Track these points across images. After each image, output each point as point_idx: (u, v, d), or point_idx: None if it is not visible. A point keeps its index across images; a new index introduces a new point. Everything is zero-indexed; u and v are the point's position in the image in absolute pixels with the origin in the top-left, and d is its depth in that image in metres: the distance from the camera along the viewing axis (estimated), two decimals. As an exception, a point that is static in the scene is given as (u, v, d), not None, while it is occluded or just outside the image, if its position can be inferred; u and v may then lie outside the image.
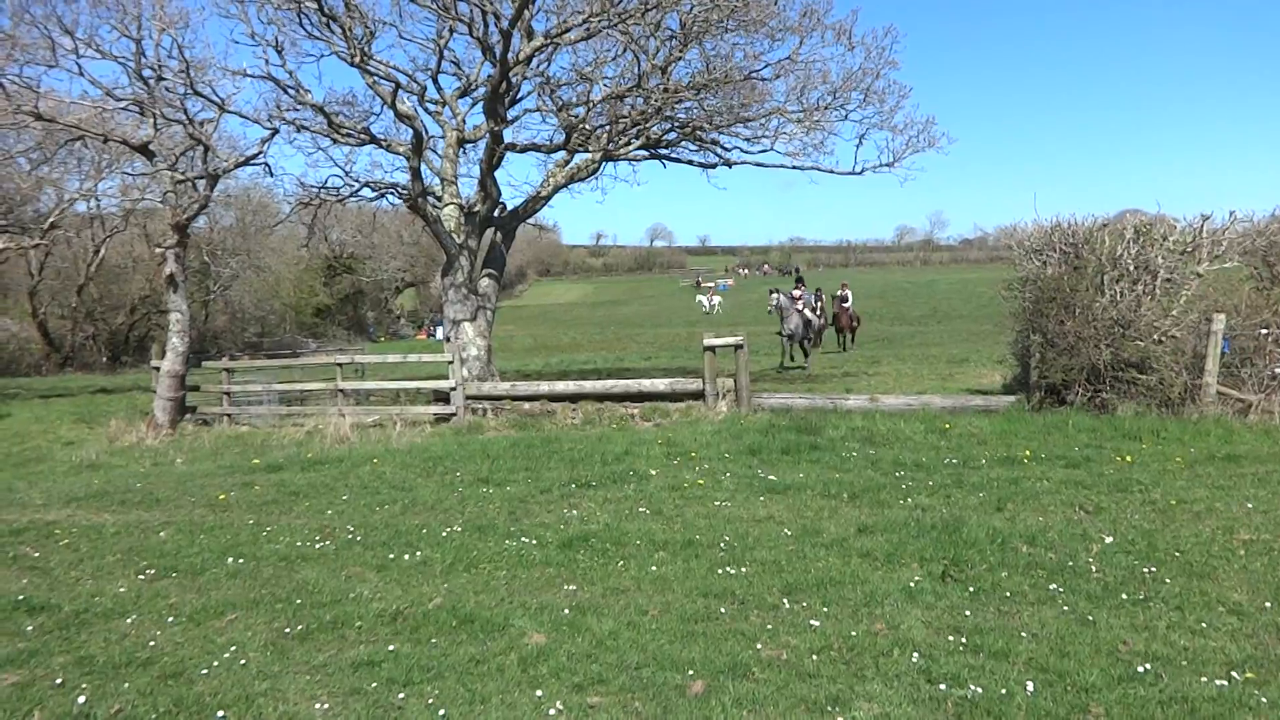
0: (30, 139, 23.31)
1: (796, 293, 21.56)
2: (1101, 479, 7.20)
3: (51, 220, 27.81)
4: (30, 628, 4.89)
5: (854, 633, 4.36)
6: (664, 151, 16.79)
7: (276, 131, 15.62)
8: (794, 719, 3.55)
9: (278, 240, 40.19)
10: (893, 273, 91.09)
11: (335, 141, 15.92)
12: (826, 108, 15.49)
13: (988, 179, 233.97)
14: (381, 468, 8.97)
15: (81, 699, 3.92)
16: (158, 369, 14.18)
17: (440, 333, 46.77)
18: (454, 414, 12.48)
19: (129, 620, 4.94)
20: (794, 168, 16.27)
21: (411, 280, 56.85)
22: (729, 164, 16.62)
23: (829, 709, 3.61)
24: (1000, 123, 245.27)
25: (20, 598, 5.35)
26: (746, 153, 16.45)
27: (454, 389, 12.61)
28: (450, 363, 12.84)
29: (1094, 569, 5.16)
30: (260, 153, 16.08)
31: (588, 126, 15.37)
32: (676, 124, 16.14)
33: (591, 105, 14.93)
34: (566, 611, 4.77)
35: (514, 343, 36.28)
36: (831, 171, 16.41)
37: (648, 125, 15.34)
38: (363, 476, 8.62)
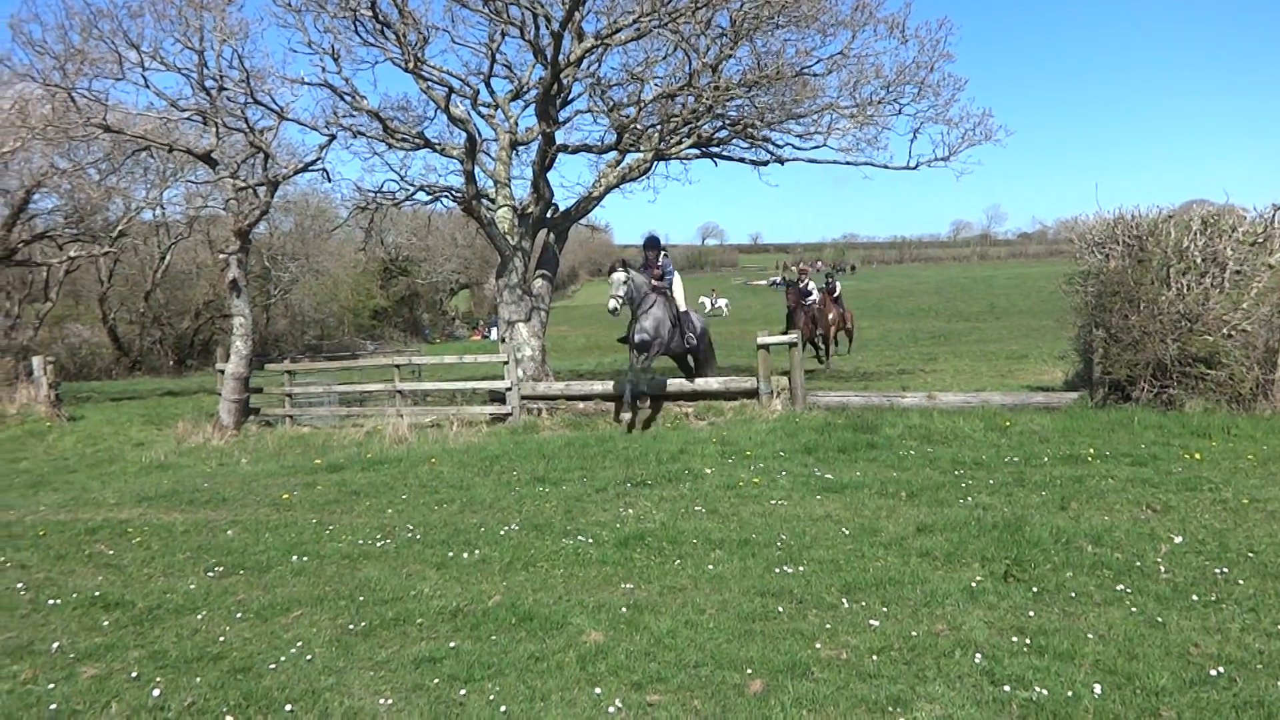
0: (99, 150, 24.09)
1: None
2: (1169, 477, 7.01)
3: (120, 228, 28.70)
4: (106, 623, 5.06)
5: (914, 633, 4.30)
6: (715, 150, 16.74)
7: (334, 138, 15.95)
8: (854, 719, 3.52)
9: (335, 244, 41.01)
10: (949, 269, 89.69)
11: (390, 146, 16.19)
12: (880, 102, 15.31)
13: (1046, 171, 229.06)
14: (439, 467, 9.09)
15: (156, 692, 4.04)
16: (222, 372, 14.55)
17: (494, 334, 47.28)
18: (509, 414, 12.60)
19: (199, 616, 5.08)
20: (847, 163, 16.12)
21: (465, 282, 57.51)
22: (781, 161, 16.51)
23: (890, 710, 3.58)
24: (1059, 112, 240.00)
25: (96, 594, 5.53)
26: (799, 149, 16.32)
27: (509, 389, 12.73)
28: (505, 363, 12.97)
29: (1163, 569, 5.03)
30: (318, 159, 16.42)
31: (639, 126, 15.40)
32: (728, 122, 16.08)
33: (643, 105, 14.95)
34: (624, 610, 4.79)
35: (567, 343, 36.47)
36: (885, 167, 16.22)
37: (699, 124, 15.32)
38: (421, 476, 8.75)
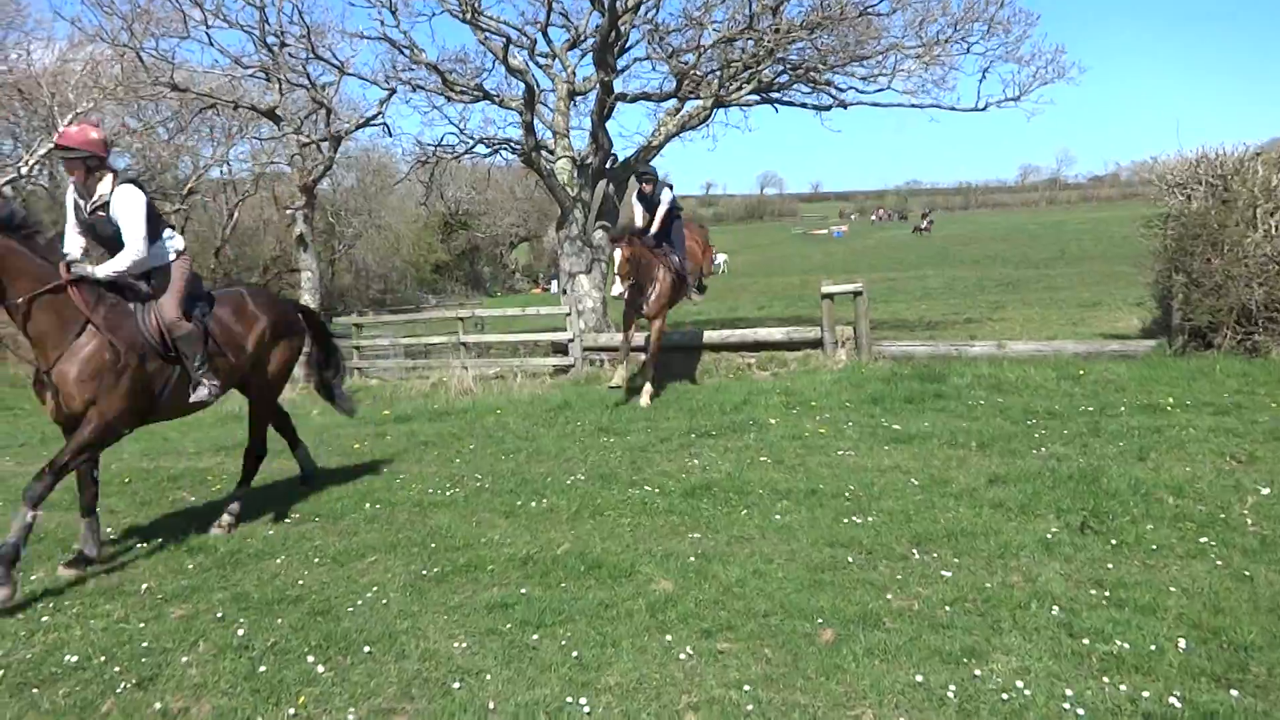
0: (167, 109, 24.52)
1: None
2: (1255, 427, 6.76)
3: (190, 186, 29.35)
4: (191, 565, 5.25)
5: (988, 585, 4.24)
6: (776, 95, 16.41)
7: (394, 92, 16.01)
8: (928, 669, 3.49)
9: (397, 199, 41.40)
10: (1016, 214, 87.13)
11: (449, 99, 16.18)
12: (947, 41, 14.81)
13: (1122, 111, 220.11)
14: (505, 418, 9.20)
15: (241, 632, 4.18)
16: (292, 325, 14.83)
17: (554, 286, 47.42)
18: (572, 365, 12.66)
19: (278, 561, 5.23)
20: (912, 106, 15.67)
21: (525, 235, 57.64)
22: (844, 105, 16.12)
23: (965, 661, 3.54)
24: (1136, 48, 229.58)
25: (181, 538, 5.73)
26: (862, 93, 15.92)
27: (571, 340, 12.78)
28: (567, 315, 13.01)
29: (1249, 522, 4.87)
30: (379, 113, 16.53)
31: (698, 73, 15.13)
32: (789, 66, 15.72)
33: (702, 50, 14.67)
34: (692, 559, 4.80)
35: (626, 294, 36.39)
36: (953, 109, 15.71)
37: (759, 68, 14.98)
38: (487, 426, 8.86)
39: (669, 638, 3.90)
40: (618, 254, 9.33)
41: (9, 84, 23.42)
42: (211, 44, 15.74)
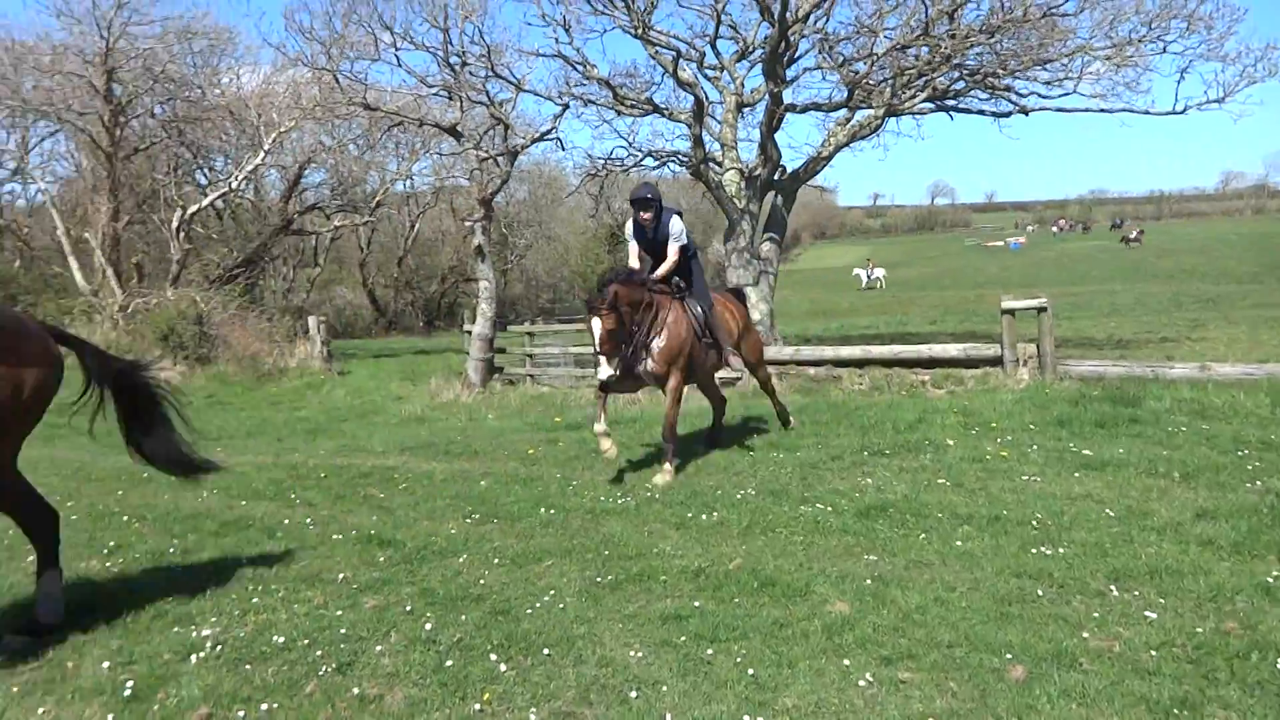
0: (358, 127, 26.27)
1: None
2: None
3: (378, 199, 31.27)
4: (382, 559, 5.55)
5: (1199, 630, 3.91)
6: (951, 103, 15.84)
7: (567, 107, 16.49)
8: (1133, 718, 3.25)
9: (566, 211, 42.73)
10: (1216, 224, 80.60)
11: (619, 113, 16.53)
12: (1141, 40, 13.86)
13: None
14: (672, 429, 9.26)
15: (428, 626, 4.38)
16: (469, 333, 15.54)
17: (717, 297, 47.46)
18: (739, 378, 12.60)
19: (460, 559, 5.46)
20: (1101, 111, 14.76)
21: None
22: (1025, 111, 15.38)
23: (1176, 711, 3.27)
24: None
25: (372, 532, 6.08)
26: (1045, 98, 15.13)
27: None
28: (733, 327, 12.96)
29: None
30: (553, 128, 17.08)
31: (870, 82, 14.82)
32: (966, 72, 15.14)
33: (874, 59, 14.36)
34: (868, 582, 4.68)
35: (790, 307, 36.06)
36: (1147, 113, 14.67)
37: (934, 75, 14.51)
38: (655, 437, 8.95)
39: (847, 662, 3.81)
40: (595, 326, 6.86)
41: (221, 106, 25.69)
42: (400, 65, 16.76)
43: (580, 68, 15.75)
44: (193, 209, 24.17)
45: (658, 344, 7.28)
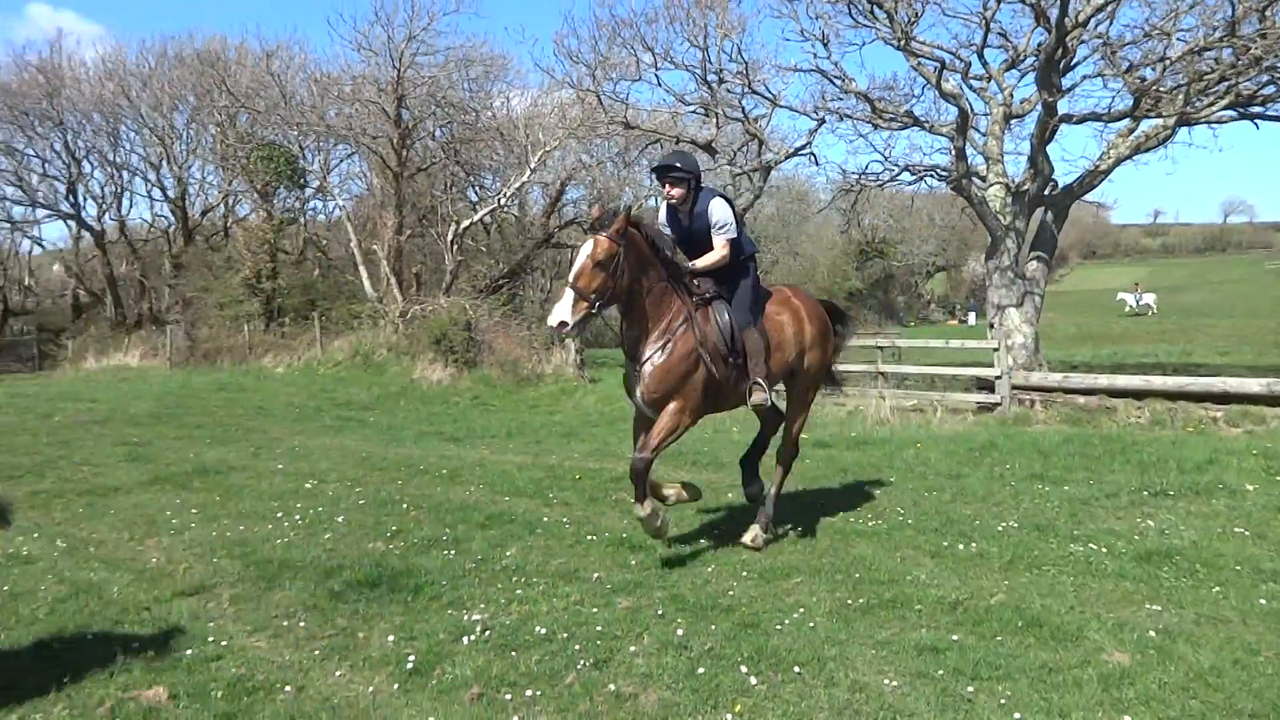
0: (616, 145, 27.40)
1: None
2: None
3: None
4: (634, 562, 5.72)
5: None
6: (1257, 109, 14.14)
7: (823, 121, 16.38)
8: None
9: (813, 226, 42.33)
10: None
11: (876, 127, 16.18)
12: None
13: None
14: (926, 453, 8.91)
15: (680, 631, 4.47)
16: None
17: (973, 318, 45.07)
18: (999, 403, 11.92)
19: (709, 569, 5.53)
20: None
21: (943, 264, 55.66)
22: (1353, 117, 13.45)
23: None
24: None
25: (624, 535, 6.29)
26: (1382, 100, 13.16)
27: (999, 377, 12.04)
28: (995, 349, 12.28)
29: None
30: (808, 143, 17.00)
31: (1160, 89, 13.53)
32: (1278, 75, 13.46)
33: (1167, 64, 13.10)
34: (1152, 634, 4.25)
35: (1055, 330, 33.54)
36: None
37: (1239, 80, 13.02)
38: (907, 460, 8.65)
39: (1128, 719, 3.49)
40: (585, 249, 5.32)
41: (493, 128, 27.69)
42: (659, 84, 17.34)
43: (838, 81, 15.60)
44: (465, 224, 26.19)
45: (654, 361, 5.57)
